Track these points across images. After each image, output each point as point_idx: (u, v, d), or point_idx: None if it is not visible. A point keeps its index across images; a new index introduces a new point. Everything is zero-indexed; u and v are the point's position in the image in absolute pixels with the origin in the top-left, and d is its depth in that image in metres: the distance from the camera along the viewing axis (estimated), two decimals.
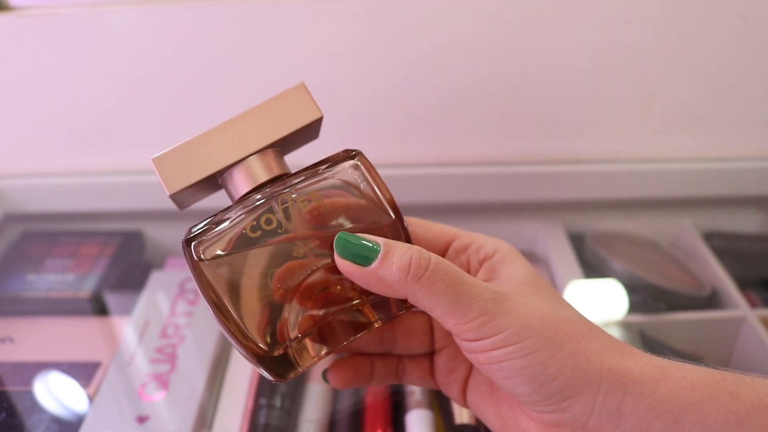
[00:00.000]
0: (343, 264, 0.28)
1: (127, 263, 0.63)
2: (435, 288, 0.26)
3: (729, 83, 0.59)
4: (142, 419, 0.46)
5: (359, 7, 0.54)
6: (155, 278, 0.60)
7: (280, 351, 0.28)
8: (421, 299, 0.27)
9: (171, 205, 0.64)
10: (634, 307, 0.57)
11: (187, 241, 0.28)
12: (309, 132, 0.32)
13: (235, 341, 0.28)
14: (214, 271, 0.27)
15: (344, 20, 0.55)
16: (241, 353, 0.28)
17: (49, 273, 0.60)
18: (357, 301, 0.30)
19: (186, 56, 0.56)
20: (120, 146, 0.62)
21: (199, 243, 0.28)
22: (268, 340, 0.28)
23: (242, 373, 0.51)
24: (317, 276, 0.29)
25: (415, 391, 0.47)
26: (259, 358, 0.28)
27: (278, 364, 0.28)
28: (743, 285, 0.61)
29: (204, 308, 0.56)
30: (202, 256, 0.27)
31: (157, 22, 0.55)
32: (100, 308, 0.58)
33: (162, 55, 0.56)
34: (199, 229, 0.28)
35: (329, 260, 0.28)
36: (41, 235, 0.66)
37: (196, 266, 0.27)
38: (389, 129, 0.61)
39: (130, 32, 0.55)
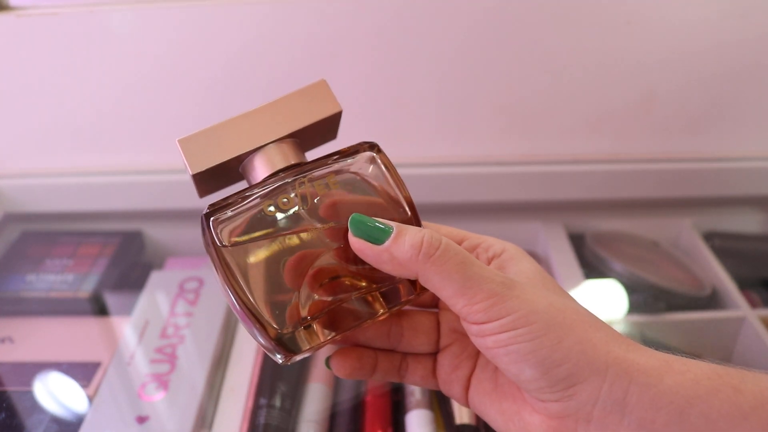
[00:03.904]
0: (356, 242, 0.28)
1: (126, 263, 0.63)
2: (446, 267, 0.27)
3: (729, 83, 0.59)
4: (142, 419, 0.46)
5: (357, 8, 0.54)
6: (155, 278, 0.60)
7: (289, 330, 0.29)
8: (432, 278, 0.27)
9: (171, 205, 0.64)
10: (634, 307, 0.57)
11: (206, 216, 0.29)
12: (328, 128, 0.33)
13: (247, 320, 0.28)
14: (230, 252, 0.28)
15: (341, 20, 0.55)
16: (251, 332, 0.29)
17: (48, 273, 0.60)
18: (366, 288, 0.30)
19: (186, 56, 0.56)
20: (120, 146, 0.62)
21: (218, 219, 0.29)
22: (279, 321, 0.28)
23: (242, 373, 0.51)
24: (328, 262, 0.29)
25: (415, 391, 0.47)
26: (270, 338, 0.28)
27: (287, 345, 0.29)
28: (743, 285, 0.61)
29: (203, 309, 0.56)
30: (221, 237, 0.28)
31: (157, 22, 0.55)
32: (99, 308, 0.58)
33: (162, 55, 0.56)
34: (217, 206, 0.29)
35: (342, 243, 0.29)
36: (41, 235, 0.66)
37: (215, 246, 0.28)
38: (389, 129, 0.61)
39: (130, 32, 0.55)
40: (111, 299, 0.58)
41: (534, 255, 0.66)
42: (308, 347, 0.29)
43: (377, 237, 0.28)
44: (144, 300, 0.57)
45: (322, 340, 0.30)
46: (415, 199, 0.31)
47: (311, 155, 0.33)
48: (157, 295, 0.58)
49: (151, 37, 0.55)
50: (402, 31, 0.55)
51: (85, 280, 0.59)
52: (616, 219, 0.69)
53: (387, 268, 0.28)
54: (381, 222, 0.28)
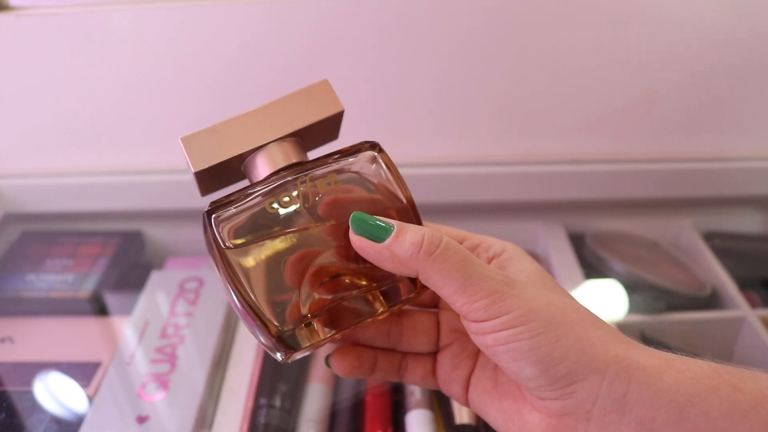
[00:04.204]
0: (357, 240, 0.28)
1: (126, 263, 0.63)
2: (446, 264, 0.27)
3: (729, 83, 0.59)
4: (142, 419, 0.46)
5: (357, 8, 0.54)
6: (155, 278, 0.60)
7: (290, 328, 0.29)
8: (432, 276, 0.27)
9: (171, 205, 0.64)
10: (634, 307, 0.57)
11: (208, 213, 0.29)
12: (329, 128, 0.34)
13: (248, 318, 0.28)
14: (232, 250, 0.28)
15: (342, 20, 0.55)
16: (251, 330, 0.29)
17: (48, 273, 0.60)
18: (366, 286, 0.30)
19: (186, 56, 0.56)
20: (120, 146, 0.62)
21: (219, 217, 0.29)
22: (280, 319, 0.29)
23: (242, 373, 0.51)
24: (329, 260, 0.29)
25: (415, 391, 0.47)
26: (271, 336, 0.28)
27: (287, 343, 0.29)
28: (743, 285, 0.61)
29: (203, 309, 0.56)
30: (223, 236, 0.29)
31: (157, 22, 0.55)
32: (99, 308, 0.58)
33: (162, 55, 0.56)
34: (219, 204, 0.29)
35: (343, 242, 0.29)
36: (41, 235, 0.66)
37: (217, 245, 0.28)
38: (389, 129, 0.61)
39: (130, 32, 0.55)
40: (111, 299, 0.58)
41: (534, 255, 0.66)
42: (308, 345, 0.29)
43: (378, 235, 0.28)
44: (144, 300, 0.57)
45: (322, 338, 0.30)
46: (415, 199, 0.31)
47: (312, 155, 0.33)
48: (157, 295, 0.58)
49: (151, 37, 0.55)
50: (402, 31, 0.55)
51: (85, 280, 0.59)
52: (616, 219, 0.69)
53: (387, 266, 0.28)
54: (382, 220, 0.28)
